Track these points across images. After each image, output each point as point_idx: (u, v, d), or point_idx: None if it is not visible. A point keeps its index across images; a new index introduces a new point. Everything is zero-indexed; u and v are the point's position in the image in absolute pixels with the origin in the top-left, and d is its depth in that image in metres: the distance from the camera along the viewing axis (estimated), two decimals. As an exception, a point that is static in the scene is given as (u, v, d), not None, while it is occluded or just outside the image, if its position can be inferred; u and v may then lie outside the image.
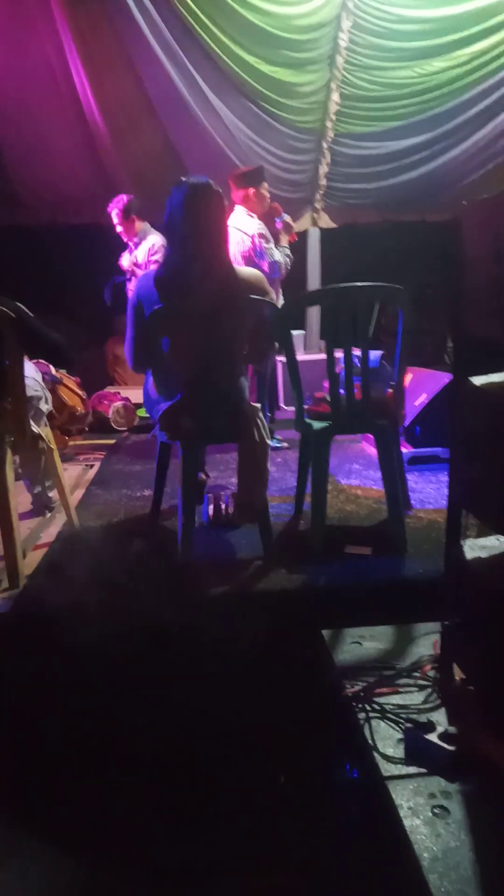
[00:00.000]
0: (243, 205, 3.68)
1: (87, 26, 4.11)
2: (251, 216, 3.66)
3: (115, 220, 4.02)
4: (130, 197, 4.01)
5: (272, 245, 3.67)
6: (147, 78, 4.38)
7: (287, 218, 3.82)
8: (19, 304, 2.26)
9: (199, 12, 4.12)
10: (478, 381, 1.38)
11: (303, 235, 5.47)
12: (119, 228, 4.05)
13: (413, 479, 3.20)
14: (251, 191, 3.65)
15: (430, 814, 1.21)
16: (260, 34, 4.31)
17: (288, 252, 3.77)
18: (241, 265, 3.42)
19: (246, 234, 3.59)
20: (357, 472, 3.41)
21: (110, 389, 5.00)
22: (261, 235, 3.61)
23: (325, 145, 5.04)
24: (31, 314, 2.28)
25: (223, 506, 2.69)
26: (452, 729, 1.35)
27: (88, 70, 4.28)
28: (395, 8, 4.43)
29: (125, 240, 4.12)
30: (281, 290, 3.78)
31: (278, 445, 3.90)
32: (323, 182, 5.27)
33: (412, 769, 1.33)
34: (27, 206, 5.12)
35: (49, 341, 2.34)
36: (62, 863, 1.43)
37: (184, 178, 2.15)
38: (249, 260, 3.59)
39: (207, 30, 4.20)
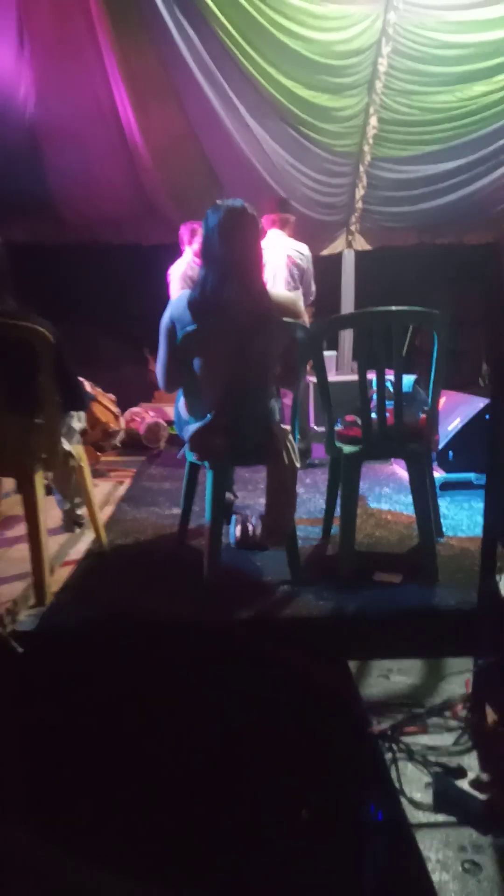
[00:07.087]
0: (280, 229, 3.83)
1: (131, 51, 4.20)
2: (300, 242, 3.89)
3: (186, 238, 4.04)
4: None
5: None
6: (187, 102, 4.46)
7: None
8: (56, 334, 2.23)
9: (239, 38, 4.18)
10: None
11: (337, 258, 5.47)
12: (195, 247, 3.94)
13: (445, 505, 3.13)
14: (293, 217, 3.94)
15: (461, 868, 1.14)
16: (299, 59, 4.35)
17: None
18: (298, 280, 3.80)
19: (304, 254, 3.83)
20: (388, 496, 3.35)
21: (144, 406, 5.03)
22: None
23: (361, 169, 5.04)
24: (63, 345, 2.25)
25: (251, 527, 2.66)
26: (485, 776, 1.29)
27: (131, 93, 4.37)
28: (436, 33, 4.43)
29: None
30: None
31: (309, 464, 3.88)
32: (359, 205, 5.26)
33: (441, 817, 1.26)
34: (70, 226, 5.23)
35: (67, 377, 2.32)
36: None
37: (219, 202, 2.16)
38: (307, 272, 3.84)
39: (247, 55, 4.26)
